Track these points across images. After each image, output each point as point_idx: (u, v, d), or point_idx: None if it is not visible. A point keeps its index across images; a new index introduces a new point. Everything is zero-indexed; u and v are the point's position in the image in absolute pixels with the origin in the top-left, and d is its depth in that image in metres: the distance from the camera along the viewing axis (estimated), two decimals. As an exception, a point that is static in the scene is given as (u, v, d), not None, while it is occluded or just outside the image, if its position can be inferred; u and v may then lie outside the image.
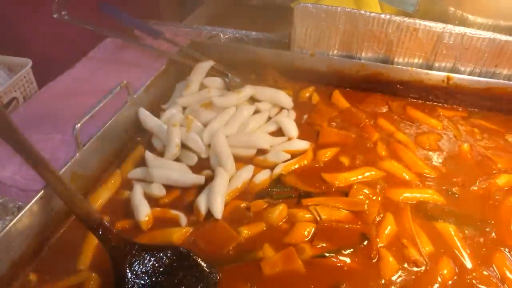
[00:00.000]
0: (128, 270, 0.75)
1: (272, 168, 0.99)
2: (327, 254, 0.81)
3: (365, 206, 0.89)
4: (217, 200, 0.89)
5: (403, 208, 0.90)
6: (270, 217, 0.87)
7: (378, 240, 0.83)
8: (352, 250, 0.82)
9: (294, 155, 1.03)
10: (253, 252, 0.82)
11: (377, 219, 0.87)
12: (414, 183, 0.96)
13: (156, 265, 0.77)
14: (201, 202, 0.90)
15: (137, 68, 1.38)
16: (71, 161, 0.91)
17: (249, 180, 0.96)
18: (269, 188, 0.94)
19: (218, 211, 0.88)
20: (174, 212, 0.91)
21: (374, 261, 0.80)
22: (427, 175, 0.98)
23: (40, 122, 1.17)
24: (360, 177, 0.96)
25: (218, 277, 0.78)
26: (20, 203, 0.94)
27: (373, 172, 0.97)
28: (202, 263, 0.78)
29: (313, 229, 0.85)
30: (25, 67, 1.26)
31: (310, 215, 0.88)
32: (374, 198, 0.91)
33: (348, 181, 0.95)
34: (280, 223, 0.87)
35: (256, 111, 1.14)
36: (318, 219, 0.87)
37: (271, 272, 0.78)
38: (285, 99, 1.17)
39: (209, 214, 0.88)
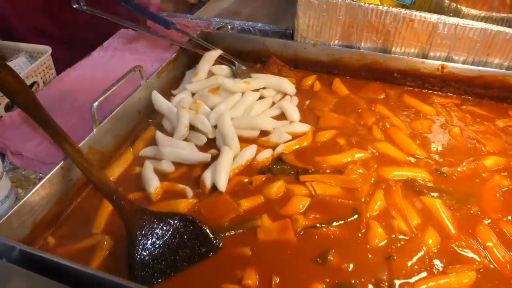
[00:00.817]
0: (139, 233, 0.83)
1: (274, 148, 1.07)
2: (318, 225, 0.88)
3: (358, 184, 0.96)
4: (221, 175, 0.96)
5: (394, 184, 0.96)
6: (269, 191, 0.95)
7: (368, 215, 0.90)
8: (342, 222, 0.89)
9: (295, 136, 1.10)
10: (251, 221, 0.89)
11: (368, 197, 0.94)
12: (405, 163, 1.03)
13: (165, 229, 0.85)
14: (207, 177, 0.98)
15: (149, 57, 1.46)
16: (88, 136, 0.99)
17: (252, 158, 1.04)
18: (270, 165, 1.01)
19: (222, 185, 0.95)
20: (181, 185, 0.98)
21: (363, 231, 0.87)
22: (418, 156, 1.04)
23: (59, 104, 1.25)
24: (349, 159, 1.03)
25: (221, 243, 0.85)
26: (41, 174, 1.03)
27: (362, 154, 1.04)
28: (207, 230, 0.86)
29: (307, 203, 0.92)
30: (45, 54, 1.35)
31: (306, 191, 0.95)
32: (368, 177, 0.98)
33: (340, 162, 1.02)
34: (278, 196, 0.94)
35: (261, 97, 1.22)
36: (313, 193, 0.94)
37: (265, 239, 0.86)
38: (288, 86, 1.25)
39: (214, 188, 0.96)
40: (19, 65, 1.35)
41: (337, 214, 0.90)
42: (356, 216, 0.89)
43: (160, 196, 0.96)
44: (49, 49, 1.37)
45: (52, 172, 0.90)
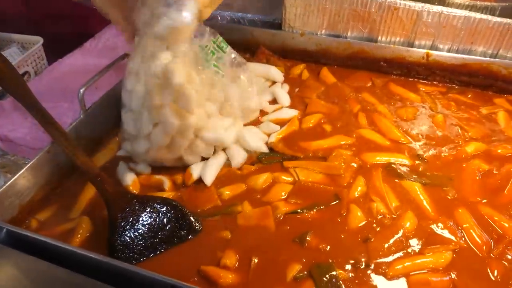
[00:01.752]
0: (120, 215, 0.84)
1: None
2: (299, 210, 0.89)
3: (341, 170, 0.97)
4: (211, 173, 0.97)
5: (375, 169, 0.98)
6: (255, 182, 0.95)
7: (348, 199, 0.91)
8: (323, 206, 0.90)
9: (282, 123, 1.12)
10: (231, 207, 0.90)
11: (350, 183, 0.95)
12: (388, 149, 1.04)
13: (146, 211, 0.86)
14: (195, 170, 0.98)
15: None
16: (75, 122, 1.01)
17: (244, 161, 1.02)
18: (259, 155, 1.02)
19: (209, 181, 0.96)
20: (157, 176, 0.99)
21: (344, 214, 0.88)
22: (402, 142, 1.06)
23: (49, 93, 1.27)
24: (334, 144, 1.04)
25: (201, 227, 0.87)
26: (29, 159, 1.05)
27: (346, 141, 1.05)
28: (188, 213, 0.88)
29: (290, 189, 0.93)
30: (37, 44, 1.37)
31: (291, 178, 0.96)
32: (350, 163, 0.99)
33: (322, 146, 1.03)
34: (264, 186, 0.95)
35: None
36: (297, 179, 0.95)
37: (245, 224, 0.87)
38: (276, 73, 1.26)
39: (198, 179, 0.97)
40: (11, 55, 1.37)
41: (318, 199, 0.91)
42: (337, 201, 0.91)
43: (139, 190, 0.97)
44: (40, 40, 1.39)
45: (38, 156, 0.92)
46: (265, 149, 1.04)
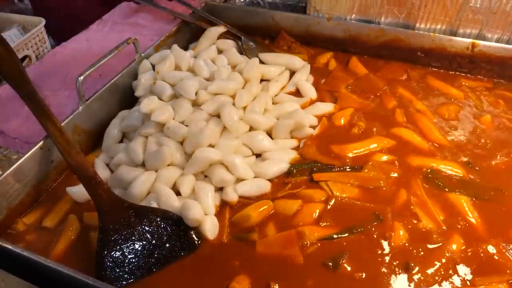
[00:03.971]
0: (112, 227, 0.73)
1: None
2: (334, 236, 0.75)
3: (381, 182, 0.83)
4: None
5: (415, 179, 0.84)
6: (284, 208, 0.80)
7: (390, 219, 0.77)
8: (362, 229, 0.76)
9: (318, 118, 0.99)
10: (247, 234, 0.77)
11: (391, 196, 0.81)
12: (429, 153, 0.90)
13: (144, 224, 0.75)
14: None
15: (150, 31, 1.36)
16: (73, 114, 0.90)
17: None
18: (290, 167, 0.87)
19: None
20: None
21: (387, 236, 0.75)
22: (445, 145, 0.92)
23: (49, 79, 1.16)
24: (372, 146, 0.91)
25: (199, 244, 0.75)
26: (22, 154, 0.95)
27: (382, 145, 0.92)
28: (191, 232, 0.76)
29: (321, 209, 0.79)
30: (39, 25, 1.26)
31: (323, 195, 0.82)
32: (389, 173, 0.85)
33: (359, 151, 0.90)
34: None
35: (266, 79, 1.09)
36: (330, 194, 0.82)
37: (265, 252, 0.73)
38: (300, 64, 1.13)
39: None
40: (10, 37, 1.26)
41: (356, 220, 0.77)
42: (377, 222, 0.77)
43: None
44: (42, 21, 1.28)
45: (31, 152, 0.82)
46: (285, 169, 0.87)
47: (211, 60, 1.07)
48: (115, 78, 0.99)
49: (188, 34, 1.25)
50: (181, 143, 0.87)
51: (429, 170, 0.86)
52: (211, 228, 0.76)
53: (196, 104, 0.93)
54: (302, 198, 0.82)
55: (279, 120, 0.94)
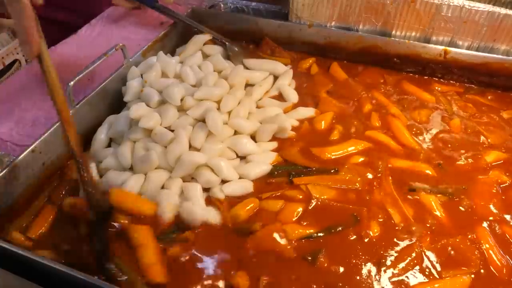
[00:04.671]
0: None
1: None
2: (314, 235, 0.80)
3: (357, 184, 0.89)
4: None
5: (386, 180, 0.90)
6: (268, 207, 0.85)
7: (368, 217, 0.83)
8: (340, 229, 0.81)
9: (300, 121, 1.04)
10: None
11: (367, 198, 0.87)
12: (402, 155, 0.96)
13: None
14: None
15: (138, 35, 1.40)
16: (63, 119, 0.93)
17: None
18: (272, 168, 0.92)
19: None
20: None
21: (363, 235, 0.80)
22: (416, 148, 0.98)
23: (40, 83, 1.19)
24: (350, 149, 0.97)
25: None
26: (14, 157, 0.98)
27: (362, 145, 0.97)
28: None
29: (300, 210, 0.84)
30: (28, 30, 1.29)
31: (302, 196, 0.87)
32: (366, 174, 0.91)
33: (337, 154, 0.95)
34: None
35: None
36: (309, 196, 0.86)
37: (254, 248, 0.78)
38: (283, 69, 1.17)
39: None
40: (0, 42, 1.29)
41: (335, 221, 0.82)
42: (356, 223, 0.82)
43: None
44: (31, 25, 1.30)
45: (23, 155, 0.85)
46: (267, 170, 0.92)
47: (198, 66, 1.11)
48: (104, 83, 1.03)
49: (175, 39, 1.29)
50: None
51: (400, 172, 0.91)
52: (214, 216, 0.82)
53: (183, 109, 0.97)
54: (284, 198, 0.87)
55: (262, 124, 0.99)
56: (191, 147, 0.91)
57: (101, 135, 0.98)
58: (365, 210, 0.84)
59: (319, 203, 0.85)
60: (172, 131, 0.93)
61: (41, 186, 0.90)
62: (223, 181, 0.89)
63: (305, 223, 0.82)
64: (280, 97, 1.12)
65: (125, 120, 0.97)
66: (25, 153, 0.86)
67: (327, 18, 1.22)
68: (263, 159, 0.94)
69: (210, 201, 0.86)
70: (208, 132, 0.93)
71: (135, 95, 1.02)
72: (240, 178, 0.90)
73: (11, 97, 1.15)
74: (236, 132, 0.97)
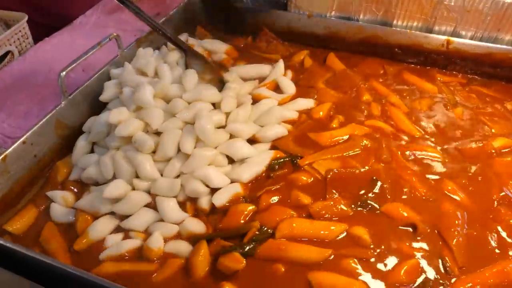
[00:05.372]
0: None
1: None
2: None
3: (362, 143, 0.89)
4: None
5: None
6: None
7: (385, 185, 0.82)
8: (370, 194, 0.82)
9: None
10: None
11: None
12: (405, 141, 0.94)
13: None
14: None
15: (133, 27, 1.37)
16: (55, 109, 0.91)
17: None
18: (271, 163, 0.88)
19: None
20: None
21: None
22: (417, 137, 0.95)
23: (33, 75, 1.17)
24: (346, 136, 0.94)
25: None
26: (4, 149, 0.95)
27: (361, 130, 0.95)
28: None
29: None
30: (21, 21, 1.26)
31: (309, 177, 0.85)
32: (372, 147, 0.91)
33: (334, 138, 0.93)
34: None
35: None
36: (318, 176, 0.85)
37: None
38: (268, 70, 1.12)
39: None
40: (-8, 33, 1.26)
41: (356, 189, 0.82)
42: (378, 185, 0.82)
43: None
44: (25, 16, 1.28)
45: (14, 146, 0.83)
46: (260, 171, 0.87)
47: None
48: (98, 73, 1.00)
49: (170, 30, 1.26)
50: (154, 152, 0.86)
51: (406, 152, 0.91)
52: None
53: (171, 112, 0.91)
54: (289, 182, 0.85)
55: (263, 128, 0.94)
56: (179, 152, 0.86)
57: (81, 141, 0.93)
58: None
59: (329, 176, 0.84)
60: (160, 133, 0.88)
61: (33, 178, 0.88)
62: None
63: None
64: (277, 89, 1.08)
65: (105, 123, 0.90)
66: (15, 144, 0.84)
67: (327, 7, 1.19)
68: (259, 160, 0.88)
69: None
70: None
71: (113, 96, 0.97)
72: (232, 182, 0.85)
73: (3, 88, 1.12)
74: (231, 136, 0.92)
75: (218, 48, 1.20)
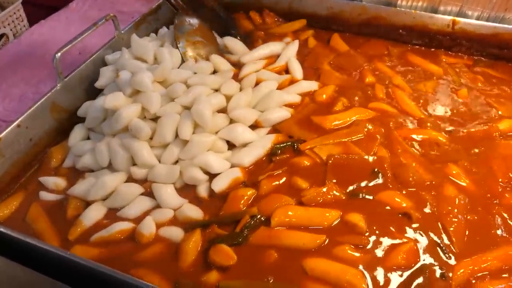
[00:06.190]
0: None
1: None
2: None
3: (366, 128, 0.87)
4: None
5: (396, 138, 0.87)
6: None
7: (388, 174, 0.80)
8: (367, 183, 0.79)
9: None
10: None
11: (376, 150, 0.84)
12: (410, 123, 0.92)
13: None
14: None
15: (131, 9, 1.34)
16: (51, 92, 0.88)
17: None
18: (273, 147, 0.86)
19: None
20: None
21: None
22: (422, 117, 0.93)
23: (28, 58, 1.15)
24: (354, 118, 0.92)
25: None
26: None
27: (367, 113, 0.93)
28: None
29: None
30: (15, 3, 1.23)
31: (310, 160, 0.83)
32: (374, 133, 0.88)
33: (339, 121, 0.91)
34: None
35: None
36: (318, 160, 0.83)
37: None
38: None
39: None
40: (-14, 15, 1.23)
41: (356, 179, 0.80)
42: (380, 176, 0.80)
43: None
44: (19, -3, 1.25)
45: (8, 129, 0.81)
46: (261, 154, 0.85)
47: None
48: (94, 55, 0.98)
49: (168, 12, 1.22)
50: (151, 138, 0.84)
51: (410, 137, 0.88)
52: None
53: (170, 96, 0.89)
54: (290, 167, 0.82)
55: (264, 112, 0.91)
56: (177, 137, 0.83)
57: (78, 127, 0.91)
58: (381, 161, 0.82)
59: (330, 162, 0.82)
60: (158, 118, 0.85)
61: (29, 162, 0.86)
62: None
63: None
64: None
65: (100, 108, 0.88)
66: (10, 127, 0.81)
67: (330, -13, 1.16)
68: (260, 143, 0.86)
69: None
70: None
71: (109, 82, 0.94)
72: (232, 167, 0.82)
73: (-3, 71, 1.10)
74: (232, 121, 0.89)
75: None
